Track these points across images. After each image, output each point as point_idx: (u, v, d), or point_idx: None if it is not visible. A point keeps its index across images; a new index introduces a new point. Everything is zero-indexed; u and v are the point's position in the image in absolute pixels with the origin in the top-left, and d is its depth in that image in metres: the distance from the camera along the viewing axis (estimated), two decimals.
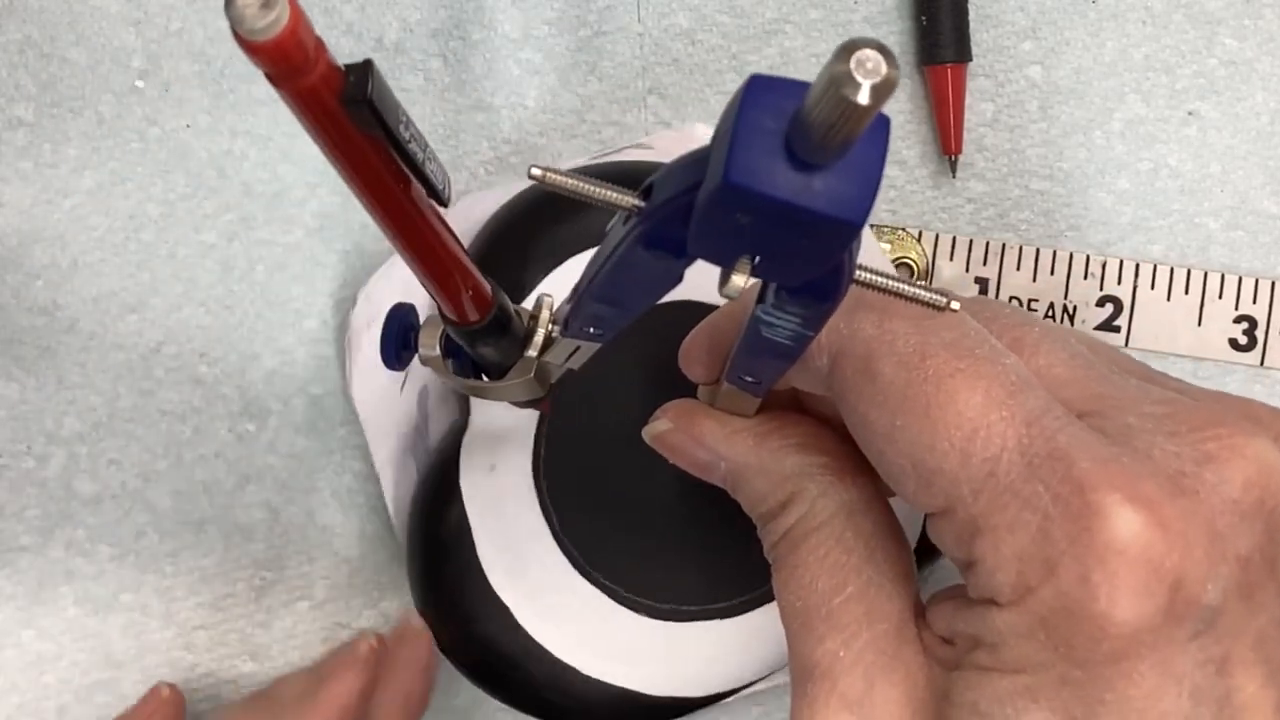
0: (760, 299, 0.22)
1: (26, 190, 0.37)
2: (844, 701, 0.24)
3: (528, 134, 0.38)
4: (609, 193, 0.20)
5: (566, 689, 0.34)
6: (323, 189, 0.38)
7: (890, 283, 0.22)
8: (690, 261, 0.21)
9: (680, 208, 0.19)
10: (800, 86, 0.17)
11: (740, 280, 0.19)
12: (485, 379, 0.28)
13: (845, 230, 0.18)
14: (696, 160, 0.19)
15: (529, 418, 0.34)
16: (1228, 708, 0.22)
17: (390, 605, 0.38)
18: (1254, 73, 0.39)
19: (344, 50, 0.38)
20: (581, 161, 0.36)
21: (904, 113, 0.39)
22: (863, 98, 0.15)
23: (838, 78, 0.15)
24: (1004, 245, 0.38)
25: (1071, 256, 0.39)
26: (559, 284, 0.34)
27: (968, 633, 0.23)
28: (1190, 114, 0.39)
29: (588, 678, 0.34)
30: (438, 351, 0.27)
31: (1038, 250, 0.39)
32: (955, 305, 0.22)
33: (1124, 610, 0.21)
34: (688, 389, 0.29)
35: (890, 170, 0.39)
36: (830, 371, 0.25)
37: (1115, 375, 0.25)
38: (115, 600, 0.37)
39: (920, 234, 0.39)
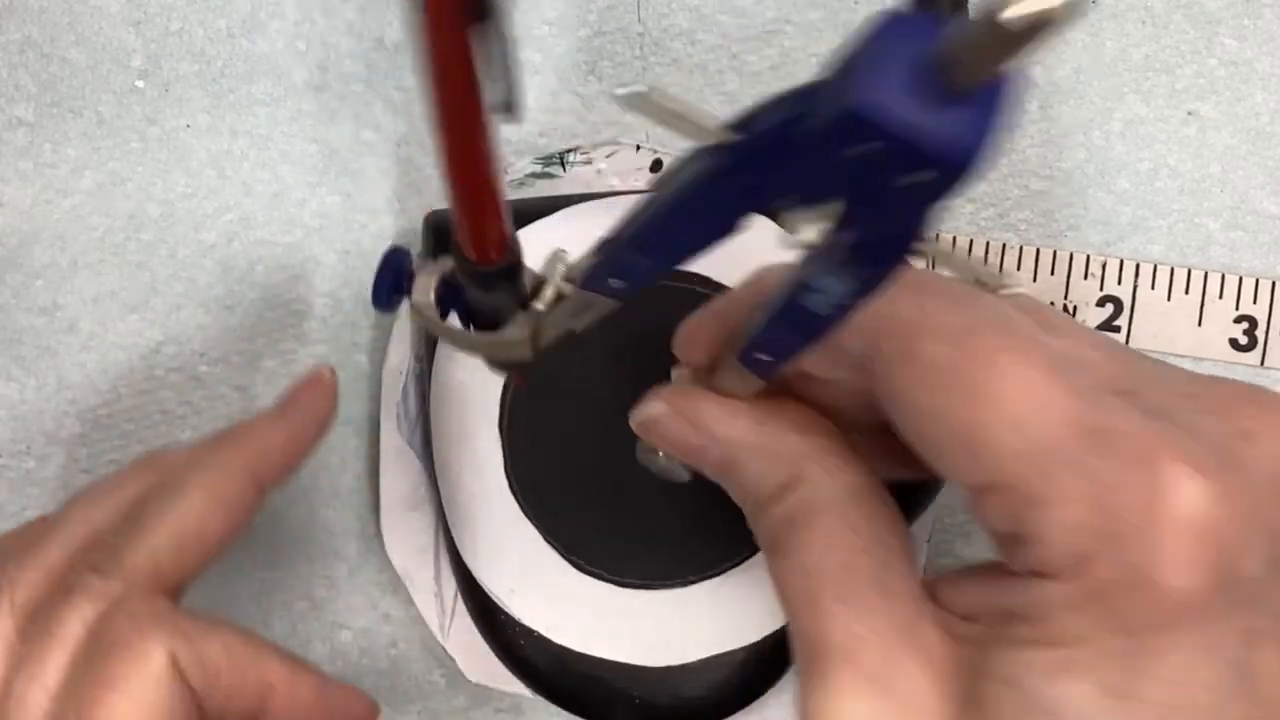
0: (809, 265, 0.22)
1: (26, 190, 0.37)
2: (866, 678, 0.24)
3: (528, 134, 0.38)
4: (701, 119, 0.20)
5: (519, 641, 0.35)
6: (323, 189, 0.38)
7: (955, 252, 0.22)
8: (748, 212, 0.21)
9: (773, 142, 0.19)
10: (934, 21, 0.17)
11: (812, 232, 0.19)
12: (473, 331, 0.28)
13: (954, 173, 0.18)
14: (801, 94, 0.19)
15: (495, 383, 0.35)
16: (1248, 678, 0.22)
17: (390, 605, 0.38)
18: (1254, 73, 0.39)
19: (344, 49, 0.38)
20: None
21: None
22: (1039, 15, 0.16)
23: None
24: (1004, 245, 0.38)
25: (1071, 256, 0.39)
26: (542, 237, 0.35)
27: (1000, 607, 0.23)
28: (1190, 114, 0.39)
29: (545, 638, 0.35)
30: (432, 297, 0.27)
31: (1038, 250, 0.38)
32: (1020, 289, 0.22)
33: (1183, 579, 0.21)
34: (657, 367, 0.29)
35: None
36: (868, 355, 0.24)
37: (1139, 359, 0.25)
38: None
39: None
